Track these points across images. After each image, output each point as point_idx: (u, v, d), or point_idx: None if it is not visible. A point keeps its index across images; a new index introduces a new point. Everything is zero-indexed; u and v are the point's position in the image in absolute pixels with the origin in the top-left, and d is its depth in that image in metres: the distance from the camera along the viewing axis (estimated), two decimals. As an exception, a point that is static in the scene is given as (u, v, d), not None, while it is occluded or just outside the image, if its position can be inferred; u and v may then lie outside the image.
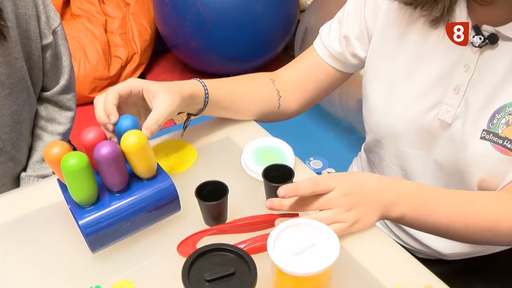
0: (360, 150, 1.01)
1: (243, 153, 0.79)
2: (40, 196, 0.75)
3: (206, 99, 0.76)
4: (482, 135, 0.66)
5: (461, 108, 0.68)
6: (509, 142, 0.64)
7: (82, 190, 0.59)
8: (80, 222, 0.60)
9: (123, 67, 2.32)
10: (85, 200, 0.61)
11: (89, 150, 0.62)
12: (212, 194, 0.65)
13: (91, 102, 2.29)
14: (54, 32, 0.96)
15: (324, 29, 0.86)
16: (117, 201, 0.63)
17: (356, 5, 0.79)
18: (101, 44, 2.24)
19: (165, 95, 0.67)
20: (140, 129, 0.66)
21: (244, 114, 0.86)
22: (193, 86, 0.74)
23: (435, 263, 0.82)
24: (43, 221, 0.70)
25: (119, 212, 0.62)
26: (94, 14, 2.33)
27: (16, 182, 1.02)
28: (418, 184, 0.67)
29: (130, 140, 0.60)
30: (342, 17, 0.82)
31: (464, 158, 0.69)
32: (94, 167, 0.63)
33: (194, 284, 0.49)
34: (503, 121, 0.64)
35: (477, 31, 0.64)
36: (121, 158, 0.61)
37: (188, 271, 0.50)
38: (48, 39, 0.95)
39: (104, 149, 0.59)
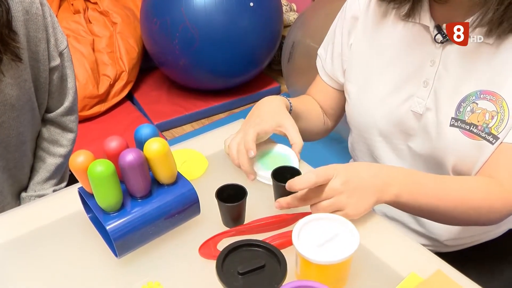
0: (348, 158, 1.07)
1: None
2: (55, 208, 0.77)
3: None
4: (451, 123, 0.73)
5: (431, 99, 0.76)
6: (475, 127, 0.71)
7: (109, 196, 0.62)
8: (107, 227, 0.62)
9: (111, 85, 2.34)
10: (111, 206, 0.63)
11: (112, 158, 0.64)
12: (231, 197, 0.69)
13: (80, 121, 2.31)
14: (61, 54, 0.97)
15: (321, 50, 0.96)
16: (142, 207, 0.65)
17: (339, 18, 0.90)
18: (90, 63, 2.26)
19: (290, 122, 0.78)
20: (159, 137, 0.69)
21: (309, 131, 0.95)
22: (287, 103, 0.84)
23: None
24: (58, 234, 0.72)
25: (144, 217, 0.65)
26: (82, 34, 2.35)
27: (17, 201, 1.03)
28: (408, 169, 0.72)
29: (154, 147, 0.64)
30: (334, 35, 0.91)
31: (437, 146, 0.76)
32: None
33: (228, 277, 0.52)
34: (468, 108, 0.71)
35: (439, 29, 0.73)
36: (145, 164, 0.64)
37: (222, 265, 0.53)
38: (56, 61, 0.95)
39: (130, 156, 0.62)
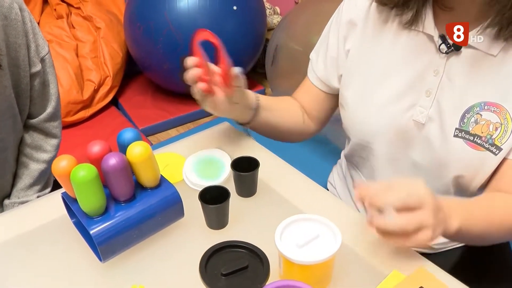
0: (335, 159, 1.07)
1: (185, 167, 0.83)
2: (39, 213, 0.76)
3: (257, 104, 0.86)
4: (455, 134, 0.73)
5: (434, 109, 0.76)
6: (478, 138, 0.72)
7: (92, 200, 0.62)
8: (91, 232, 0.62)
9: (96, 91, 2.33)
10: (94, 210, 0.63)
11: (95, 162, 0.64)
12: (214, 198, 0.69)
13: (65, 127, 2.29)
14: (42, 60, 0.96)
15: (313, 54, 0.94)
16: (125, 210, 0.65)
17: (333, 21, 0.87)
18: (73, 68, 2.24)
19: None
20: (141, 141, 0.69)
21: (283, 126, 0.94)
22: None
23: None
24: (42, 239, 0.72)
25: (128, 221, 0.65)
26: (65, 39, 2.33)
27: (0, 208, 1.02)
28: (453, 198, 0.70)
29: (137, 151, 0.64)
30: (328, 38, 0.89)
31: (440, 156, 0.76)
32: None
33: (212, 278, 0.53)
34: (472, 119, 0.72)
35: (444, 39, 0.73)
36: (128, 168, 0.64)
37: (205, 267, 0.54)
38: (37, 67, 0.94)
39: (113, 160, 0.62)
